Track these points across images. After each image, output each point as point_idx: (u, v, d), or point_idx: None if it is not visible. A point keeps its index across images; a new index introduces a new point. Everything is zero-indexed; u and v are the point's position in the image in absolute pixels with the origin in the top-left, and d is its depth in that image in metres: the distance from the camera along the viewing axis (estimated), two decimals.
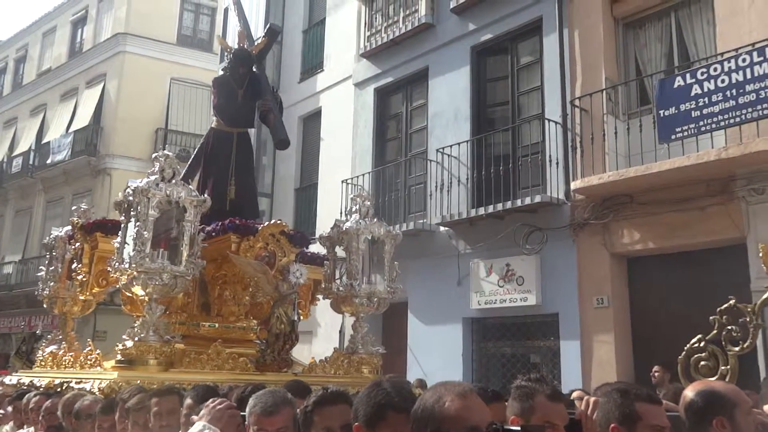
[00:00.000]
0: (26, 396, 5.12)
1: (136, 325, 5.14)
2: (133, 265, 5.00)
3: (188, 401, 3.39)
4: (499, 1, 10.58)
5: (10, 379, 6.79)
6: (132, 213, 5.17)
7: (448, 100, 11.15)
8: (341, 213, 11.69)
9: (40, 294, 6.97)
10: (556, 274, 9.12)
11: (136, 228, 5.07)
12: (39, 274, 7.32)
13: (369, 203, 6.50)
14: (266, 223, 6.26)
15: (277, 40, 7.78)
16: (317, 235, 7.03)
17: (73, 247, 6.66)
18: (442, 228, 10.52)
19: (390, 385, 2.15)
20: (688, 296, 8.66)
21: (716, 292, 8.14)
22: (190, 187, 5.51)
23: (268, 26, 8.03)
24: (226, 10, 17.15)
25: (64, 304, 6.81)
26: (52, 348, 6.62)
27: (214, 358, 5.39)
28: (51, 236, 7.16)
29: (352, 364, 6.04)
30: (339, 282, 6.22)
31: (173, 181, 5.33)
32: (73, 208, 6.92)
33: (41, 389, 5.42)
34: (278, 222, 6.31)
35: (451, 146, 10.51)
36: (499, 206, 9.56)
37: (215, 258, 6.05)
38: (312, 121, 14.26)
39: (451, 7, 11.18)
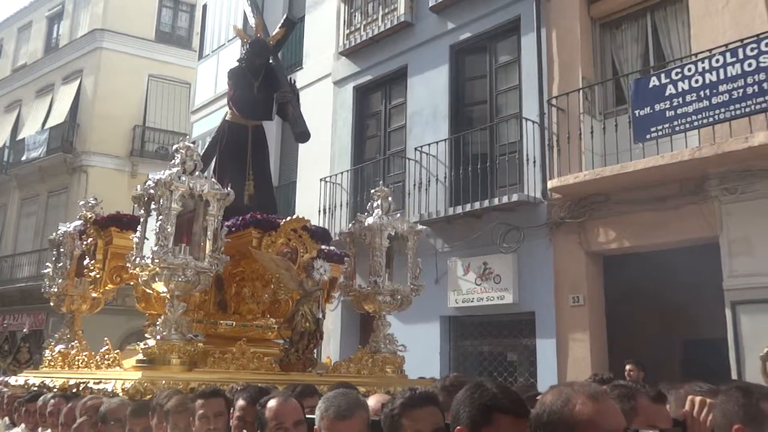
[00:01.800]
0: (41, 398, 4.90)
1: (157, 323, 4.96)
2: (156, 261, 4.79)
3: (241, 402, 3.25)
4: (477, 1, 10.61)
5: (16, 380, 6.53)
6: (153, 206, 4.98)
7: (427, 99, 11.16)
8: (320, 211, 11.70)
9: (46, 291, 6.74)
10: (533, 273, 9.17)
11: (159, 222, 4.86)
12: (45, 270, 7.11)
13: (390, 198, 6.35)
14: (288, 218, 6.08)
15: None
16: None
17: (84, 243, 6.40)
18: (419, 226, 10.51)
19: (494, 385, 1.98)
20: (662, 295, 8.76)
21: (690, 291, 8.29)
22: (213, 180, 5.30)
23: (285, 17, 7.76)
24: (204, 7, 17.04)
25: (72, 301, 6.61)
26: (60, 347, 6.40)
27: (238, 357, 5.22)
28: (59, 232, 6.91)
29: (376, 364, 5.91)
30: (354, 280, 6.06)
31: (196, 173, 5.12)
32: (81, 203, 6.65)
33: (55, 390, 5.18)
34: (300, 217, 6.13)
35: (429, 145, 10.53)
36: (477, 205, 9.59)
37: (233, 254, 5.78)
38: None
39: (430, 5, 11.19)
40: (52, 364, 6.35)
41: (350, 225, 6.25)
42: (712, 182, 7.61)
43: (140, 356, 4.94)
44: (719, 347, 7.40)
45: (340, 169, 12.15)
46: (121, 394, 4.41)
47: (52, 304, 6.77)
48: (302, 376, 5.22)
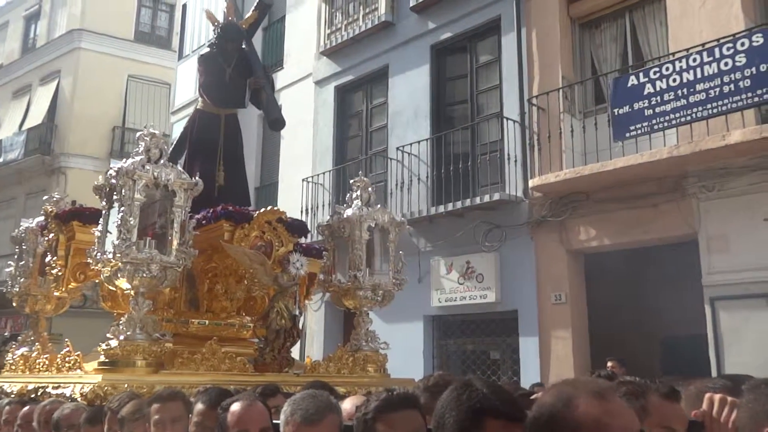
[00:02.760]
0: None
1: (121, 322, 4.65)
2: (118, 255, 4.48)
3: (200, 406, 2.99)
4: (458, 1, 10.64)
5: None
6: (115, 197, 4.66)
7: (408, 99, 11.18)
8: (302, 212, 11.65)
9: (8, 291, 6.37)
10: (515, 271, 9.22)
11: (121, 214, 4.55)
12: (7, 270, 6.69)
13: (371, 189, 6.07)
14: (262, 209, 5.80)
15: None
16: None
17: (46, 239, 6.10)
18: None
19: (484, 385, 1.76)
20: (642, 292, 8.85)
21: (669, 288, 8.38)
22: (179, 168, 4.95)
23: None
24: (184, 7, 16.92)
25: (35, 302, 6.26)
26: (23, 350, 6.01)
27: (209, 357, 4.89)
28: (21, 228, 6.53)
29: (357, 363, 5.62)
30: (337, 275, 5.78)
31: (161, 162, 4.78)
32: (45, 197, 6.31)
33: (13, 396, 4.89)
34: (275, 209, 5.84)
35: (411, 144, 10.54)
36: (459, 204, 9.62)
37: (205, 249, 5.50)
38: None
39: (411, 5, 11.20)
40: (13, 368, 5.99)
41: (329, 217, 5.96)
42: (691, 180, 7.70)
43: (102, 358, 4.65)
44: (699, 344, 7.49)
45: (322, 169, 12.13)
46: (79, 399, 4.12)
47: (14, 304, 6.44)
48: (278, 377, 4.96)
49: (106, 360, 4.58)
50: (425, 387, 2.69)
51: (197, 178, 5.22)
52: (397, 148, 10.73)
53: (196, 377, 4.63)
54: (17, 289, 6.29)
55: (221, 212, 5.52)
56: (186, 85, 16.06)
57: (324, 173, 11.97)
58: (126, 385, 4.14)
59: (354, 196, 6.02)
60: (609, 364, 7.75)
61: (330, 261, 5.94)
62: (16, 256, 6.58)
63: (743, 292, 7.15)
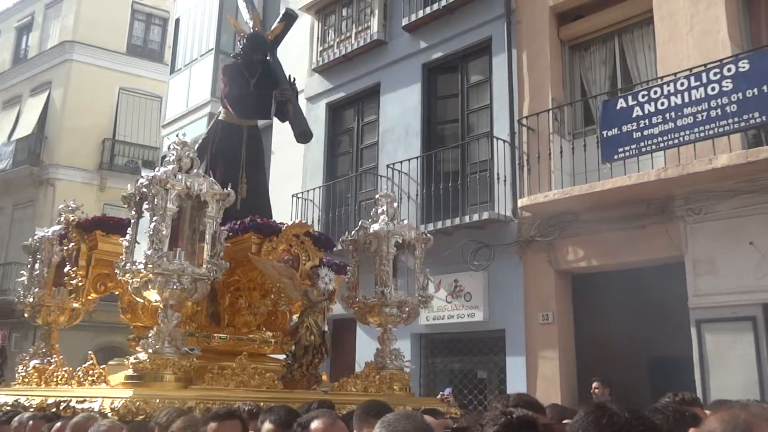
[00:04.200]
0: (17, 418, 4.35)
1: (150, 335, 4.52)
2: (149, 266, 4.35)
3: (268, 426, 2.91)
4: (450, 21, 10.75)
5: None
6: (146, 207, 4.54)
7: (399, 117, 11.24)
8: None
9: (21, 302, 6.24)
10: (503, 291, 9.23)
11: (153, 224, 4.43)
12: (20, 279, 6.53)
13: (396, 204, 6.00)
14: (290, 222, 5.72)
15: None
16: None
17: (64, 248, 5.95)
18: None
19: (622, 409, 1.64)
20: (629, 313, 8.87)
21: (656, 309, 8.42)
22: (212, 179, 4.81)
23: (284, 11, 7.24)
24: (177, 21, 16.97)
25: (48, 313, 6.11)
26: (36, 362, 5.88)
27: (238, 373, 4.78)
28: (35, 237, 6.38)
29: (383, 381, 5.50)
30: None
31: (193, 171, 4.66)
32: (60, 206, 6.19)
33: (32, 410, 4.71)
34: (302, 222, 5.78)
35: (401, 162, 10.58)
36: (448, 222, 9.65)
37: (228, 262, 5.27)
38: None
39: (403, 24, 11.30)
40: (27, 380, 5.84)
41: (354, 232, 5.82)
42: (678, 203, 7.77)
43: (129, 372, 4.50)
44: (684, 365, 7.52)
45: (312, 185, 12.14)
46: (110, 414, 3.98)
47: (26, 315, 6.27)
48: (306, 394, 4.86)
49: (134, 374, 4.46)
50: (504, 407, 2.53)
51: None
52: (388, 166, 10.77)
53: (226, 392, 4.54)
54: (31, 300, 6.13)
55: (249, 224, 5.41)
56: (177, 98, 16.08)
57: (314, 189, 11.98)
58: (157, 400, 4.06)
59: (380, 211, 5.89)
60: (594, 384, 7.76)
61: (355, 276, 5.81)
62: (29, 266, 6.44)
63: (729, 315, 7.19)
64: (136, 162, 20.56)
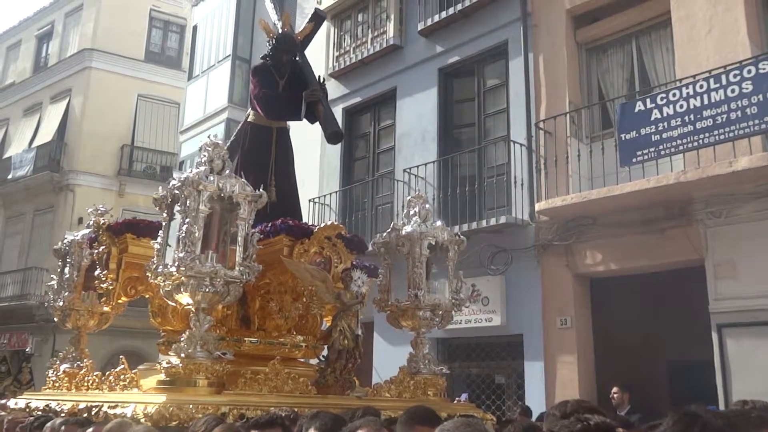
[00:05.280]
0: (50, 424, 4.29)
1: (182, 339, 4.42)
2: (182, 269, 4.27)
3: None
4: (465, 25, 10.75)
5: (16, 403, 5.90)
6: (178, 209, 4.47)
7: (416, 121, 11.24)
8: None
9: (51, 306, 6.20)
10: (521, 295, 9.18)
11: (185, 225, 4.35)
12: (50, 283, 6.47)
13: (429, 205, 5.83)
14: (322, 224, 5.59)
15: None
16: None
17: (94, 252, 5.87)
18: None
19: (710, 415, 1.57)
20: (649, 317, 8.80)
21: (676, 314, 8.34)
22: (243, 180, 4.72)
23: (314, 11, 7.15)
24: (194, 28, 17.12)
25: (78, 317, 6.03)
26: (66, 366, 5.81)
27: (272, 378, 4.65)
28: (65, 241, 6.32)
29: (418, 386, 5.38)
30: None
31: (225, 172, 4.59)
32: (89, 210, 6.13)
33: (63, 415, 4.62)
34: (335, 224, 5.66)
35: (418, 166, 10.57)
36: (465, 227, 9.61)
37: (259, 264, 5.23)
38: None
39: (419, 29, 11.31)
40: (57, 385, 5.76)
41: (385, 233, 5.69)
42: (697, 206, 7.69)
43: (161, 376, 4.41)
44: (705, 370, 7.43)
45: (328, 190, 12.17)
46: (143, 420, 3.90)
47: (56, 319, 6.22)
48: (340, 399, 4.75)
49: (166, 378, 4.36)
50: (563, 414, 2.50)
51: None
52: (404, 170, 10.77)
53: (260, 398, 4.44)
54: (61, 304, 6.06)
55: (281, 226, 5.31)
56: (195, 104, 16.21)
57: (331, 194, 12.00)
58: (191, 406, 3.99)
59: (412, 212, 5.74)
60: (613, 389, 7.69)
61: (386, 279, 5.67)
62: (59, 270, 6.37)
63: (751, 319, 7.10)
64: (154, 168, 20.74)
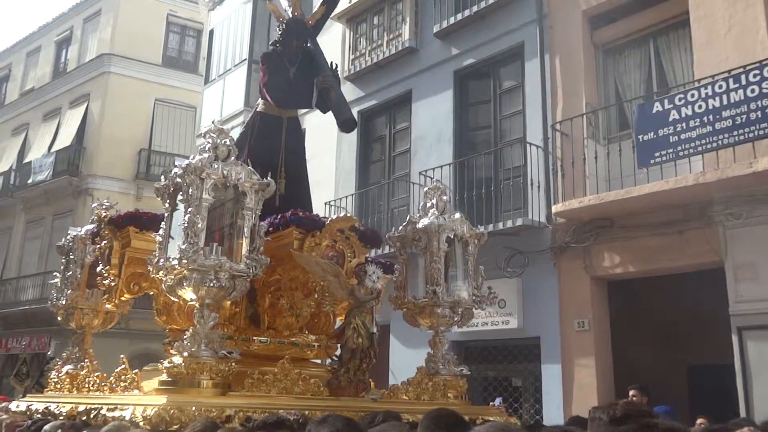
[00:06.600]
0: (48, 426, 4.13)
1: (185, 337, 4.14)
2: (184, 262, 3.99)
3: None
4: (481, 27, 10.72)
5: (18, 405, 5.69)
6: (180, 198, 4.20)
7: (431, 124, 11.23)
8: None
9: (54, 305, 5.96)
10: (538, 298, 9.14)
11: (187, 215, 4.07)
12: (53, 282, 6.27)
13: (446, 198, 5.51)
14: (334, 216, 5.30)
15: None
16: None
17: (97, 247, 5.65)
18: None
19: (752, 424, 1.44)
20: (667, 320, 8.72)
21: (695, 316, 8.25)
22: (249, 167, 4.41)
23: None
24: (211, 33, 17.23)
25: (82, 316, 5.79)
26: (68, 368, 5.59)
27: (281, 379, 4.41)
28: (68, 237, 6.08)
29: (437, 388, 5.10)
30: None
31: (230, 159, 4.31)
32: (94, 205, 5.87)
33: (62, 418, 4.46)
34: (348, 216, 5.41)
35: (433, 169, 10.55)
36: (481, 229, 9.55)
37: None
38: None
39: (434, 31, 11.31)
40: (59, 387, 5.53)
41: (401, 227, 5.38)
42: (717, 207, 7.61)
43: (163, 377, 4.13)
44: (725, 373, 7.35)
45: (344, 193, 12.18)
46: (141, 423, 3.69)
47: (59, 318, 5.98)
48: (354, 402, 4.49)
49: (168, 379, 4.09)
50: (611, 418, 2.33)
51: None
52: (420, 173, 10.75)
53: (268, 400, 4.20)
54: (64, 302, 5.85)
55: (291, 218, 5.02)
56: (212, 108, 16.30)
57: (346, 197, 12.02)
58: (193, 408, 3.76)
59: (429, 204, 5.41)
60: (631, 392, 7.60)
61: (403, 275, 5.36)
62: (62, 267, 6.14)
63: None
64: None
